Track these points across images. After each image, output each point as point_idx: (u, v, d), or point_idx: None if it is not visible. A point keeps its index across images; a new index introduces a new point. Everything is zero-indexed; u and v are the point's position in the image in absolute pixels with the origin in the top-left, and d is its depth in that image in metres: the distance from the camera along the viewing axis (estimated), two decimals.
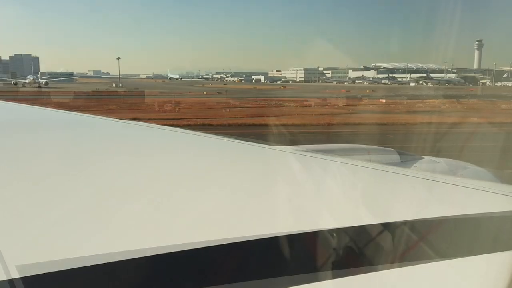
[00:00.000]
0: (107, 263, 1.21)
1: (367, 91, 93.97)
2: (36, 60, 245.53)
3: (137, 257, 1.24)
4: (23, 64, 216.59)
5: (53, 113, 5.46)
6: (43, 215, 1.59)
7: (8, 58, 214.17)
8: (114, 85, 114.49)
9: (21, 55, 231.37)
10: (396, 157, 4.69)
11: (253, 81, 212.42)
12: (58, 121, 4.68)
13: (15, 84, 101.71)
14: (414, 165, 4.58)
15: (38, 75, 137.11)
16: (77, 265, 1.19)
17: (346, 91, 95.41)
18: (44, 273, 1.16)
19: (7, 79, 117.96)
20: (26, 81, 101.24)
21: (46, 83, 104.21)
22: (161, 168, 2.42)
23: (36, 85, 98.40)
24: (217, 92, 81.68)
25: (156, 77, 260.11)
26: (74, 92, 75.60)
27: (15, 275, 1.15)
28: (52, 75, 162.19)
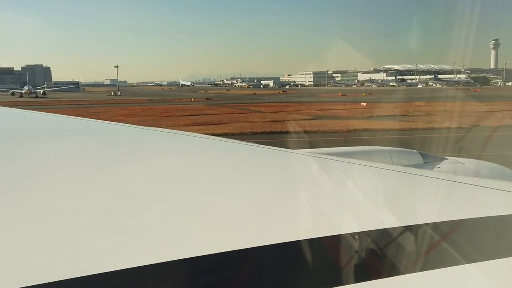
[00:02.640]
0: (124, 276, 1.18)
1: (363, 94, 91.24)
2: (47, 70, 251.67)
3: (158, 267, 1.21)
4: (35, 74, 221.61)
5: (52, 118, 5.45)
6: (50, 228, 1.50)
7: (20, 69, 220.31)
8: (112, 93, 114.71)
9: (33, 65, 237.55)
10: (419, 159, 4.60)
11: (261, 86, 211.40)
12: (59, 127, 4.57)
13: (12, 94, 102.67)
14: (438, 166, 4.52)
15: (44, 85, 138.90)
16: (93, 282, 1.15)
17: (342, 95, 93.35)
18: None
19: (4, 89, 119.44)
20: (23, 91, 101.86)
21: (44, 93, 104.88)
22: (174, 173, 2.37)
23: (33, 95, 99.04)
24: (206, 99, 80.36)
25: (170, 84, 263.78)
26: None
27: None
28: (58, 84, 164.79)
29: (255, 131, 28.15)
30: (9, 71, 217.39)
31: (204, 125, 32.66)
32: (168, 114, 44.74)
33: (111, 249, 1.36)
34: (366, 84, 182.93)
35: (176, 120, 37.49)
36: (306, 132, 27.39)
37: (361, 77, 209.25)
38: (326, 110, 46.35)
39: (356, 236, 1.46)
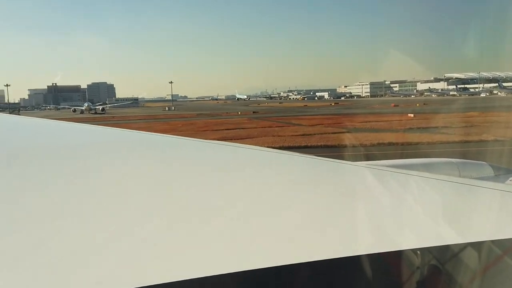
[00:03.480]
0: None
1: (417, 104, 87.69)
2: (111, 87, 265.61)
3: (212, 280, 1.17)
4: (100, 91, 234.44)
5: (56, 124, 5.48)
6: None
7: (86, 87, 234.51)
8: (167, 108, 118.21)
9: (98, 83, 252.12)
10: (489, 171, 4.43)
11: (316, 98, 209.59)
12: (62, 132, 4.55)
13: (74, 111, 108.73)
14: (510, 179, 4.31)
15: (106, 102, 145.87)
16: None
17: (395, 106, 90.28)
18: None
19: (67, 106, 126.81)
20: (83, 107, 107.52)
21: (103, 109, 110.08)
22: (221, 186, 2.24)
23: (93, 111, 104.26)
24: (252, 112, 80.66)
25: (227, 98, 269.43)
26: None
27: None
28: (119, 101, 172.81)
29: (272, 145, 27.49)
30: (76, 89, 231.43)
31: (232, 139, 32.50)
32: (205, 129, 45.23)
33: (133, 269, 1.27)
34: (425, 94, 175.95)
35: (208, 134, 37.70)
36: (325, 146, 26.41)
37: (420, 86, 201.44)
38: (366, 122, 44.79)
39: (418, 252, 1.40)
